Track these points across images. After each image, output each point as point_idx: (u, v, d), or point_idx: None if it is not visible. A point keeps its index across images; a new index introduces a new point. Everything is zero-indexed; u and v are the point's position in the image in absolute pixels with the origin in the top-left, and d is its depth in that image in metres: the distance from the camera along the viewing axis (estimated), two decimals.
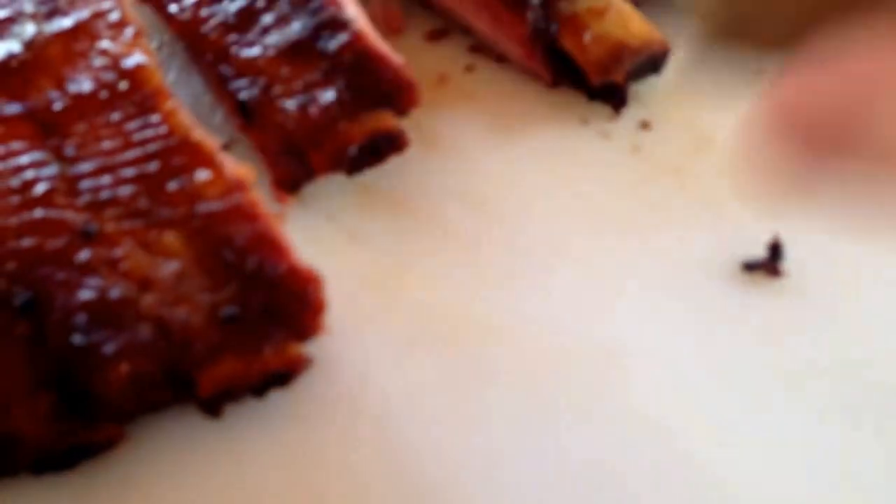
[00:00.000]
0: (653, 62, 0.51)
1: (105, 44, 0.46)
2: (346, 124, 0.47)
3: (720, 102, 0.49)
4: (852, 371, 0.42)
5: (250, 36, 0.49)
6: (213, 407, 0.41)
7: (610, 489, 0.39)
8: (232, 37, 0.49)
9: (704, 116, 0.51)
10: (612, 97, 0.52)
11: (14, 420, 0.38)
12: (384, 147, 0.47)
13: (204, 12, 0.50)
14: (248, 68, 0.48)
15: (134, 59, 0.46)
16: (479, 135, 0.51)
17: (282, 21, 0.49)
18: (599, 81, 0.51)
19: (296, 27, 0.48)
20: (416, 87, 0.48)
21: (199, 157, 0.43)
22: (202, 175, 0.43)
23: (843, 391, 0.42)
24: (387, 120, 0.47)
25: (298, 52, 0.47)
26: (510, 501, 0.40)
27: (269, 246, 0.41)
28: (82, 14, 0.47)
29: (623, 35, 0.51)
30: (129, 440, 0.40)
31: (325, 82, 0.47)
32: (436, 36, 0.57)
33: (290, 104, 0.47)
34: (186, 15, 0.50)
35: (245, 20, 0.49)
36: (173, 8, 0.51)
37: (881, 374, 0.42)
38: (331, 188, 0.49)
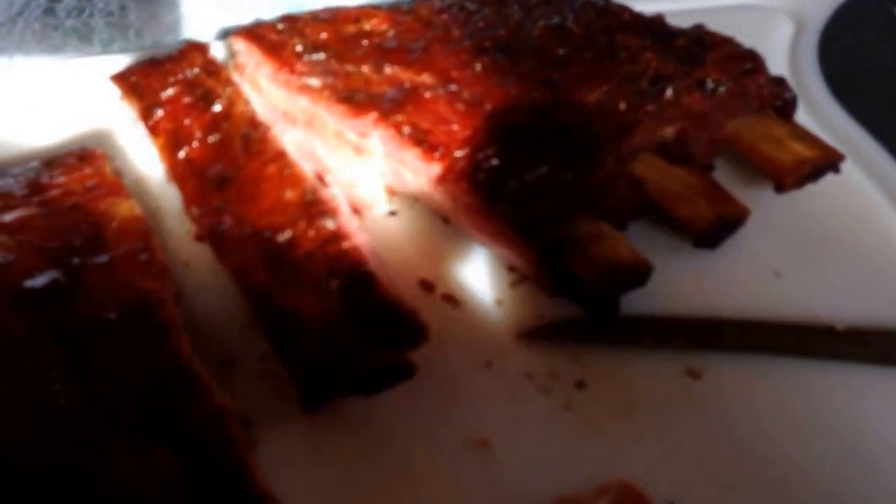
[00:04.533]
0: (639, 278, 0.62)
1: (134, 280, 0.56)
2: (364, 357, 0.55)
3: (650, 370, 0.59)
4: None
5: (287, 278, 0.58)
6: None
7: None
8: (272, 278, 0.58)
9: (634, 383, 0.59)
10: (604, 308, 0.62)
11: None
12: (396, 375, 0.56)
13: (249, 250, 0.60)
14: (285, 305, 0.57)
15: (154, 296, 0.55)
16: (441, 376, 0.60)
17: (315, 269, 0.58)
18: (596, 294, 0.61)
19: (324, 275, 0.58)
20: (426, 330, 0.56)
21: (195, 387, 0.52)
22: (195, 404, 0.51)
23: None
24: (398, 354, 0.56)
25: (327, 295, 0.57)
26: None
27: (240, 472, 0.49)
28: (119, 251, 0.57)
29: (614, 257, 0.61)
30: None
31: (349, 323, 0.56)
32: None
33: (318, 340, 0.55)
34: (234, 257, 0.60)
35: (283, 265, 0.59)
36: (225, 248, 0.61)
37: None
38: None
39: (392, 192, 0.71)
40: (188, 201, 0.65)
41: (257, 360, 0.60)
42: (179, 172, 0.68)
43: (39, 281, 0.56)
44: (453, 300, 0.65)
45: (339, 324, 0.56)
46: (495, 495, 0.54)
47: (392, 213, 0.71)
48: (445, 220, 0.69)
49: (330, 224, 0.59)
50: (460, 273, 0.67)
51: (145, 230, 0.59)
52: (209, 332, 0.61)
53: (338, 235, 0.59)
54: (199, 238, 0.63)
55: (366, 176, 0.71)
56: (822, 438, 0.57)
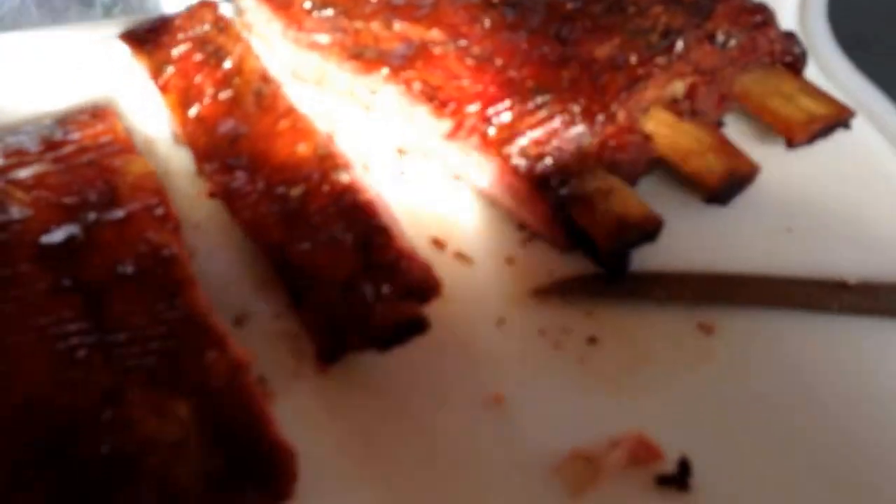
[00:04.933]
0: (649, 234, 0.62)
1: (149, 234, 0.56)
2: (380, 311, 0.55)
3: (662, 325, 0.59)
4: None
5: (302, 232, 0.58)
6: None
7: None
8: (287, 232, 0.59)
9: (646, 338, 0.60)
10: (615, 262, 0.63)
11: None
12: (410, 330, 0.56)
13: (263, 206, 0.60)
14: (300, 260, 0.57)
15: (169, 251, 0.56)
16: (454, 333, 0.60)
17: (329, 222, 0.58)
18: (607, 249, 0.61)
19: (339, 229, 0.58)
20: (440, 284, 0.57)
21: (211, 338, 0.52)
22: (211, 354, 0.52)
23: None
24: (413, 308, 0.56)
25: (342, 249, 0.57)
26: None
27: (257, 422, 0.50)
28: (134, 206, 0.58)
29: (625, 212, 0.62)
30: None
31: (364, 276, 0.56)
32: None
33: (334, 294, 0.56)
34: (248, 213, 0.60)
35: (297, 219, 0.59)
36: (238, 204, 0.60)
37: None
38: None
39: (402, 152, 0.71)
40: (200, 158, 0.65)
41: (271, 319, 0.61)
42: (191, 130, 0.68)
43: (57, 236, 0.56)
44: (465, 258, 0.65)
45: (354, 277, 0.56)
46: (509, 449, 0.55)
47: (402, 173, 0.71)
48: (456, 179, 0.69)
49: (344, 177, 0.60)
50: (472, 231, 0.67)
51: (158, 186, 0.59)
52: (223, 291, 0.61)
53: (351, 189, 0.59)
54: (212, 195, 0.63)
55: (377, 135, 0.71)
56: (834, 390, 0.57)
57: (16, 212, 0.57)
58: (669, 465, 0.53)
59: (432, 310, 0.57)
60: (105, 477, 0.47)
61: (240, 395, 0.50)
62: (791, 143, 0.69)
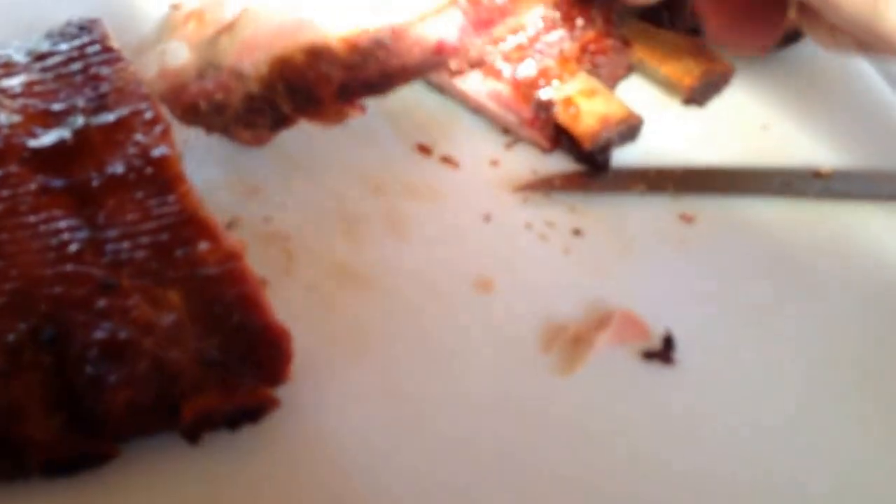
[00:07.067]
0: (630, 132, 0.65)
1: (138, 136, 0.57)
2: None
3: (644, 217, 0.61)
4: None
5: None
6: (193, 434, 0.50)
7: None
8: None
9: (629, 229, 0.62)
10: (597, 160, 0.64)
11: (34, 431, 0.47)
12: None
13: None
14: None
15: (160, 150, 0.56)
16: (442, 229, 0.62)
17: None
18: (589, 146, 0.63)
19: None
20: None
21: (203, 231, 0.53)
22: (203, 245, 0.52)
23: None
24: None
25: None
26: None
27: (251, 305, 0.50)
28: (123, 112, 0.58)
29: (606, 111, 0.64)
30: (123, 457, 0.49)
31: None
32: None
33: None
34: None
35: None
36: None
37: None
38: (311, 262, 0.59)
39: None
40: None
41: (262, 222, 0.62)
42: None
43: (46, 140, 0.56)
44: (451, 161, 0.66)
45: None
46: (498, 332, 0.56)
47: None
48: (440, 91, 0.70)
49: None
50: (456, 138, 0.68)
51: (147, 92, 0.60)
52: (212, 198, 0.62)
53: None
54: None
55: None
56: (808, 267, 0.60)
57: (3, 118, 0.57)
58: (654, 342, 0.55)
59: (423, 207, 0.59)
60: (100, 359, 0.48)
61: (233, 281, 0.51)
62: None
